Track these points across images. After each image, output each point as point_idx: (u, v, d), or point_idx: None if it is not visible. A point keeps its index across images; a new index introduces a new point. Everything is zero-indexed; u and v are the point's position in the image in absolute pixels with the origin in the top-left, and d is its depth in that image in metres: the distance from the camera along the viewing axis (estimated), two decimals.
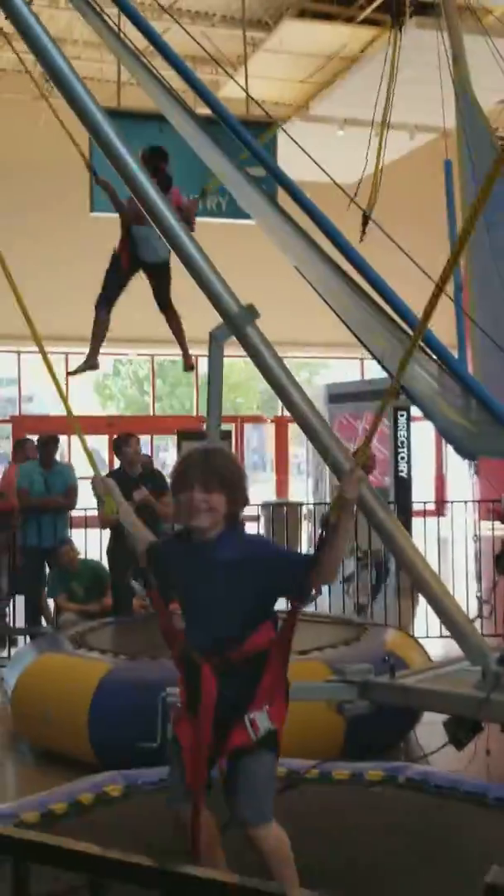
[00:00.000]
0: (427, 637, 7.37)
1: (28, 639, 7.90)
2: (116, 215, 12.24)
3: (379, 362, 4.89)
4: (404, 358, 3.41)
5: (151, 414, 22.79)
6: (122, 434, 7.93)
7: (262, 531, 14.00)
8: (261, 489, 20.90)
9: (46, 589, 8.28)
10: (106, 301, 7.53)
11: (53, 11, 13.46)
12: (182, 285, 4.23)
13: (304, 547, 13.10)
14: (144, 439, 19.95)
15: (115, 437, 8.09)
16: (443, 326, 5.21)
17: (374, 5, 14.58)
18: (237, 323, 4.39)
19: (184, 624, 3.05)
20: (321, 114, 15.40)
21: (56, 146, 15.94)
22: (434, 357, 4.63)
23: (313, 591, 3.10)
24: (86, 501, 9.15)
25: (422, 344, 4.65)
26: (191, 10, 15.45)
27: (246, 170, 6.42)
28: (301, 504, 12.93)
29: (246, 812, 2.90)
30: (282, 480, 21.42)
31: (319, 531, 2.94)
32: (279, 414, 21.18)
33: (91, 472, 3.43)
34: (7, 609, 8.82)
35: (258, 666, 2.92)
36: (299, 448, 22.39)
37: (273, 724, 2.92)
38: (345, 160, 17.14)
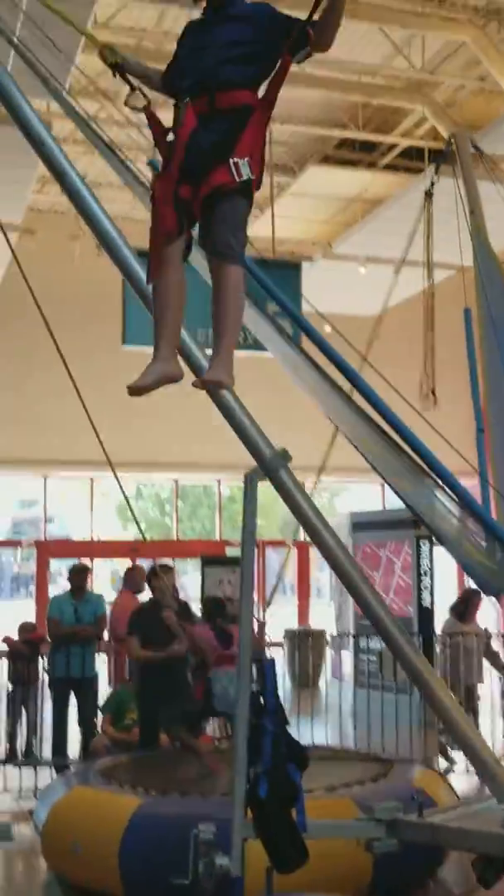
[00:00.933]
0: (453, 771, 7.35)
1: (54, 771, 7.92)
2: (146, 348, 12.68)
3: (403, 501, 5.09)
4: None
5: (174, 537, 22.94)
6: (160, 565, 8.06)
7: (285, 659, 13.99)
8: (282, 614, 20.85)
9: (79, 715, 8.27)
10: None
11: (92, 158, 14.22)
12: (219, 414, 4.48)
13: (329, 676, 13.08)
14: (167, 562, 20.06)
15: (150, 565, 8.21)
16: (465, 465, 5.45)
17: (394, 153, 15.37)
18: (271, 466, 4.60)
19: None
20: (344, 252, 16.03)
21: (90, 280, 16.69)
22: (457, 499, 4.83)
23: (304, 50, 3.16)
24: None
25: (444, 486, 4.88)
26: None
27: (268, 309, 6.79)
28: (325, 632, 12.94)
29: (219, 246, 3.13)
30: (303, 605, 21.36)
31: None
32: (300, 538, 21.29)
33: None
34: (33, 740, 8.84)
35: (242, 118, 3.11)
36: (320, 572, 22.41)
37: (252, 174, 3.12)
38: (367, 295, 17.80)
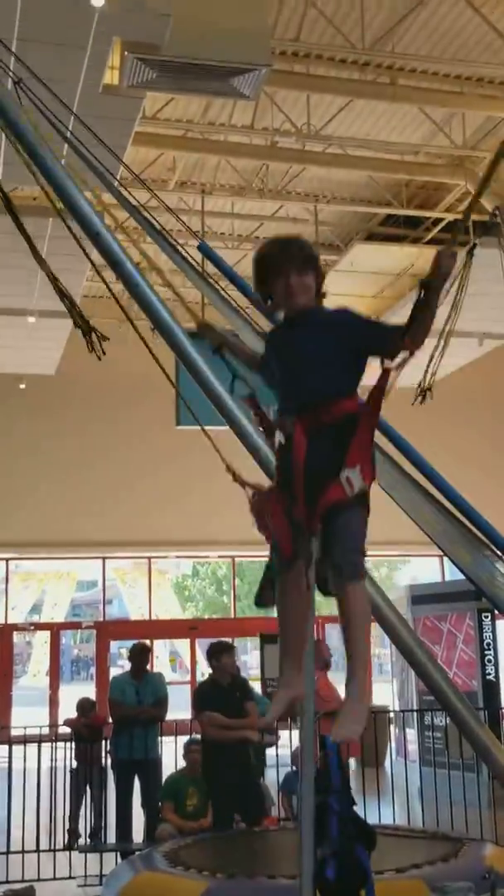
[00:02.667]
0: None
1: (119, 856, 7.84)
2: (198, 427, 12.80)
3: (463, 573, 5.06)
4: None
5: (232, 615, 22.87)
6: (222, 643, 8.04)
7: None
8: (342, 690, 20.56)
9: (142, 798, 8.20)
10: None
11: (142, 244, 14.59)
12: None
13: (394, 755, 12.82)
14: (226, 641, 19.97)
15: (211, 643, 8.19)
16: None
17: (439, 227, 15.57)
18: None
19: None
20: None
21: (143, 364, 16.98)
22: None
23: (405, 353, 3.07)
24: (175, 712, 9.26)
25: (500, 554, 4.84)
26: (268, 237, 16.63)
27: None
28: (387, 710, 12.74)
29: (343, 565, 2.99)
30: None
31: (417, 293, 2.96)
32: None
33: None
34: (99, 824, 8.77)
35: (348, 428, 3.04)
36: (381, 648, 22.10)
37: (364, 483, 3.03)
38: (414, 366, 17.88)
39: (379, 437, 5.06)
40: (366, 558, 3.11)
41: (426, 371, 9.52)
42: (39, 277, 12.78)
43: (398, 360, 3.15)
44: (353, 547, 3.05)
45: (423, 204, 15.35)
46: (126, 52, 8.42)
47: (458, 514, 4.92)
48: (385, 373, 3.12)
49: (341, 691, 3.23)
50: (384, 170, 13.91)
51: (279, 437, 3.25)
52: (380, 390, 3.13)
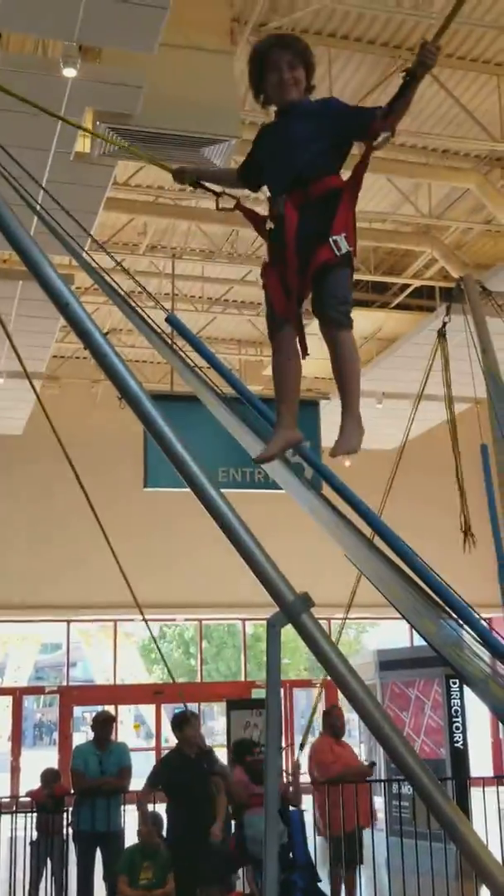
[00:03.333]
0: None
1: None
2: (169, 490, 12.80)
3: (430, 644, 5.04)
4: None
5: (199, 680, 22.61)
6: (186, 713, 7.95)
7: (315, 804, 13.54)
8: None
9: (104, 871, 8.01)
10: None
11: (111, 307, 14.70)
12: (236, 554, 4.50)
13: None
14: (192, 707, 19.71)
15: (174, 714, 8.11)
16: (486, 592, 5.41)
17: (407, 292, 15.82)
18: (293, 611, 4.58)
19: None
20: (362, 389, 16.28)
21: (110, 424, 17.01)
22: (480, 640, 4.77)
23: (384, 134, 3.41)
24: (140, 780, 9.08)
25: (466, 626, 4.83)
26: (237, 300, 16.80)
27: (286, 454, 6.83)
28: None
29: (337, 316, 3.40)
30: None
31: (402, 79, 3.21)
32: (328, 677, 20.94)
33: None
34: None
35: (333, 201, 3.36)
36: (350, 713, 21.90)
37: (349, 246, 3.34)
38: (384, 430, 18.01)
39: (342, 505, 5.09)
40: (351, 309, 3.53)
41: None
42: (6, 338, 12.80)
43: (380, 138, 3.50)
44: (344, 299, 3.45)
45: (390, 270, 15.61)
46: (98, 122, 8.54)
47: (420, 583, 4.92)
48: (368, 148, 3.48)
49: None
50: None
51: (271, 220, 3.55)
52: (364, 165, 3.48)
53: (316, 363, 16.37)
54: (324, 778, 8.78)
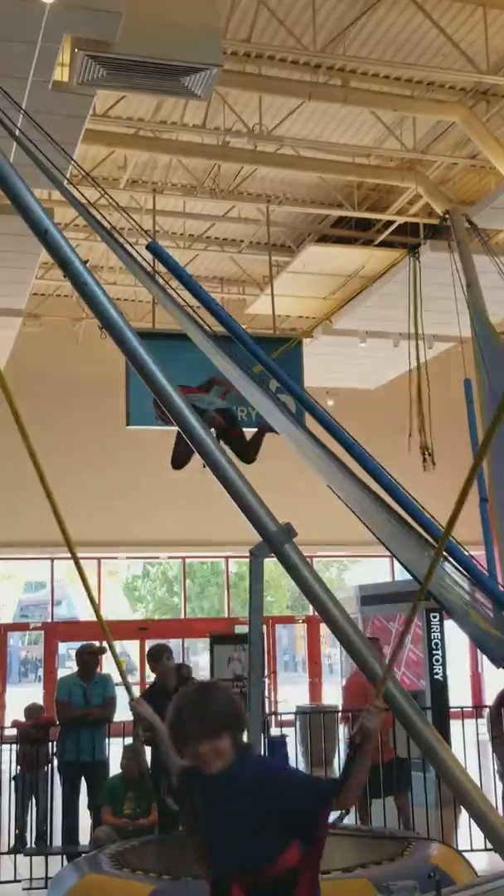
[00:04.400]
0: (471, 850, 7.20)
1: (65, 859, 7.77)
2: (148, 427, 12.76)
3: (410, 572, 5.09)
4: (431, 565, 3.58)
5: (182, 616, 22.83)
6: (156, 646, 8.01)
7: (297, 738, 13.80)
8: (293, 691, 20.57)
9: (89, 800, 8.14)
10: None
11: (91, 242, 14.52)
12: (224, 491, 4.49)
13: (341, 753, 12.88)
14: (176, 643, 19.91)
15: (150, 647, 8.19)
16: (471, 535, 5.46)
17: (390, 230, 15.68)
18: (275, 542, 4.60)
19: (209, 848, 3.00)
20: (344, 327, 16.23)
21: (93, 362, 16.91)
22: (462, 570, 4.84)
23: (338, 815, 3.08)
24: (124, 713, 9.20)
25: (450, 558, 4.88)
26: (219, 237, 16.62)
27: (270, 385, 6.83)
28: (337, 710, 12.78)
29: None
30: (314, 682, 21.13)
31: (346, 751, 2.99)
32: (310, 613, 21.18)
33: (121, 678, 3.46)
34: (45, 827, 8.69)
35: (289, 885, 2.89)
36: (331, 648, 22.18)
37: None
38: (367, 368, 17.95)
39: (329, 441, 5.09)
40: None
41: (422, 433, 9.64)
42: None
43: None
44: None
45: (374, 206, 15.45)
46: (76, 49, 8.35)
47: (405, 515, 4.95)
48: (321, 836, 3.01)
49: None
50: (336, 172, 13.98)
51: None
52: (318, 851, 3.00)
53: (298, 301, 16.33)
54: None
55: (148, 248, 4.87)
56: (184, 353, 9.49)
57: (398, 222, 15.56)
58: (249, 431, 6.70)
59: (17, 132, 4.69)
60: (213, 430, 6.08)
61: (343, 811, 2.96)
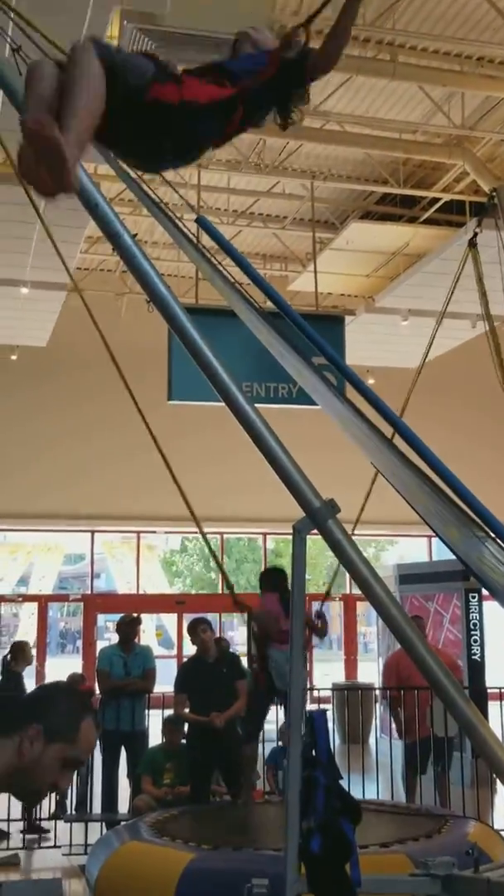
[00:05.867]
0: None
1: (105, 826, 7.89)
2: (191, 403, 12.81)
3: (452, 551, 5.08)
4: None
5: (219, 591, 22.96)
6: (195, 619, 8.08)
7: (333, 715, 13.85)
8: (328, 668, 20.66)
9: (129, 769, 8.25)
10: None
11: (136, 217, 14.54)
12: (266, 467, 4.50)
13: (377, 734, 12.94)
14: (213, 617, 20.06)
15: (189, 621, 8.26)
16: None
17: (435, 207, 15.52)
18: (319, 517, 4.61)
19: None
20: (386, 305, 16.14)
21: (136, 337, 16.99)
22: None
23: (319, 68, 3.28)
24: (163, 683, 9.31)
25: (492, 534, 4.86)
26: (263, 213, 16.56)
27: (313, 360, 6.80)
28: (373, 686, 12.81)
29: None
30: (350, 660, 21.19)
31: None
32: (347, 591, 21.21)
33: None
34: (85, 795, 8.82)
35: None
36: (367, 627, 22.21)
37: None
38: (409, 347, 17.86)
39: (374, 416, 5.09)
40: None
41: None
42: (33, 248, 12.70)
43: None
44: None
45: (419, 183, 15.30)
46: (125, 22, 8.34)
47: (451, 494, 4.94)
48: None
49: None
50: (382, 148, 13.85)
51: None
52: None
53: (339, 278, 16.27)
54: (413, 685, 8.90)
55: (197, 221, 4.87)
56: (226, 329, 9.52)
57: (443, 200, 15.39)
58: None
59: None
60: None
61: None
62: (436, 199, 15.48)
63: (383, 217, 16.00)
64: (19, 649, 9.45)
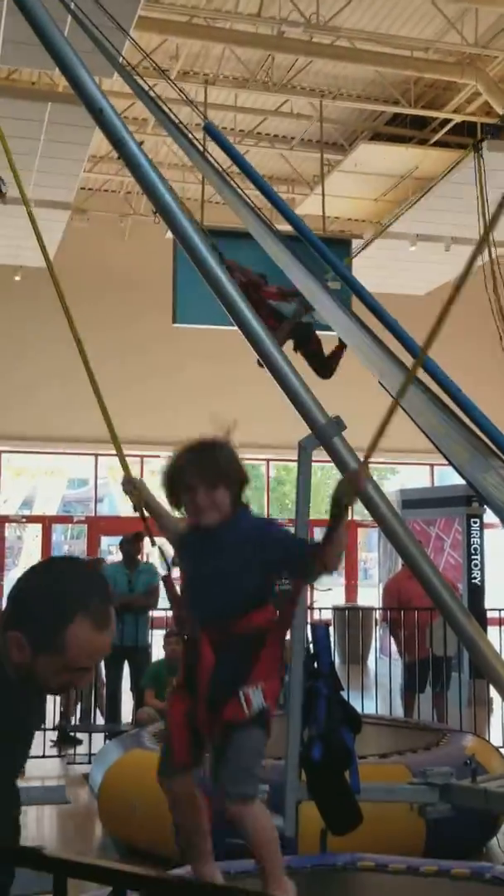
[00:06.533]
0: None
1: (108, 737, 8.05)
2: (196, 326, 12.73)
3: (458, 471, 5.09)
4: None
5: None
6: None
7: (334, 637, 14.04)
8: (329, 593, 20.86)
9: (131, 683, 8.40)
10: None
11: (141, 135, 14.27)
12: (269, 394, 4.50)
13: (377, 654, 13.11)
14: None
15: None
16: None
17: (447, 129, 15.22)
18: (325, 434, 4.62)
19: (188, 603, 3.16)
20: (395, 230, 15.91)
21: (140, 259, 16.80)
22: None
23: (317, 574, 3.07)
24: (164, 604, 9.41)
25: (499, 452, 4.86)
26: (270, 133, 16.25)
27: (326, 284, 6.74)
28: (373, 608, 12.95)
29: (229, 787, 2.90)
30: (351, 585, 21.39)
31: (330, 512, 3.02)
32: (349, 517, 21.31)
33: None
34: (89, 706, 8.99)
35: (256, 643, 2.98)
36: (368, 553, 22.37)
37: (265, 702, 2.95)
38: (417, 273, 17.63)
39: (390, 340, 5.04)
40: (259, 784, 3.04)
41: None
42: (36, 166, 12.50)
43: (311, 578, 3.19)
44: (243, 770, 2.94)
45: (430, 104, 14.98)
46: None
47: (468, 421, 4.93)
48: (296, 589, 3.23)
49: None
50: (392, 66, 13.54)
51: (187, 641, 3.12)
52: (290, 608, 3.18)
53: (347, 202, 16.04)
54: (412, 606, 8.95)
55: (204, 128, 4.79)
56: (232, 252, 9.40)
57: (455, 121, 15.09)
58: None
59: (73, 5, 4.57)
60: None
61: (329, 576, 3.04)
62: (447, 121, 15.18)
63: (393, 138, 15.69)
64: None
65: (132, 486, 3.48)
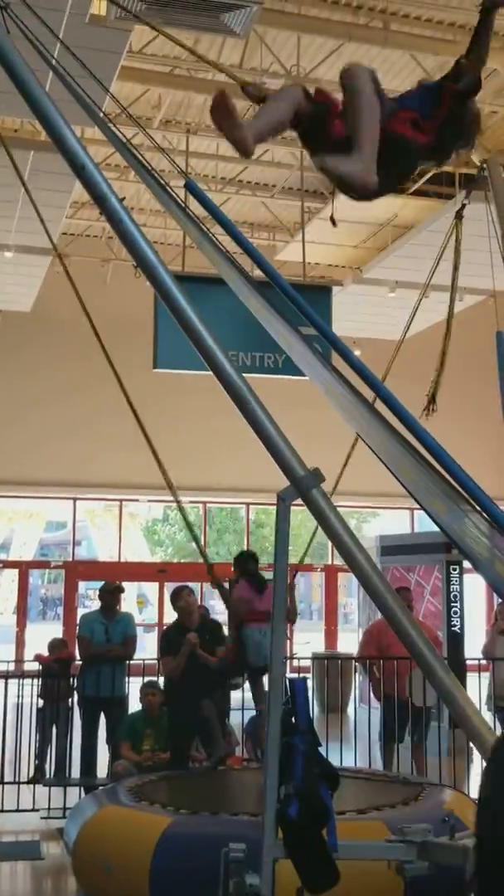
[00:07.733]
0: None
1: (83, 790, 7.93)
2: (176, 371, 12.75)
3: (436, 522, 5.09)
4: None
5: (201, 560, 22.97)
6: (178, 586, 8.13)
7: (313, 684, 13.94)
8: (309, 638, 20.76)
9: (107, 735, 8.29)
10: None
11: (123, 183, 14.40)
12: (248, 439, 4.50)
13: (356, 703, 13.02)
14: (194, 586, 20.05)
15: (172, 589, 8.29)
16: (495, 482, 5.45)
17: (425, 178, 15.43)
18: (303, 486, 4.61)
19: None
20: (373, 277, 16.08)
21: (121, 304, 16.86)
22: (490, 521, 4.82)
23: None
24: (143, 651, 9.35)
25: (477, 506, 4.87)
26: (251, 181, 16.43)
27: (300, 329, 6.78)
28: (353, 657, 12.88)
29: None
30: (331, 631, 21.31)
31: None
32: (329, 562, 21.27)
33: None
34: (64, 759, 8.86)
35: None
36: (348, 598, 22.32)
37: None
38: (396, 319, 17.78)
39: (361, 386, 5.07)
40: None
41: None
42: (18, 212, 12.57)
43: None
44: None
45: None
46: None
47: (438, 467, 4.93)
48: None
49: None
50: None
51: None
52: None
53: (327, 249, 16.14)
54: (392, 654, 8.91)
55: (186, 186, 4.81)
56: (213, 298, 9.48)
57: (433, 171, 15.30)
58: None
59: (54, 62, 4.61)
60: None
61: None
62: (425, 171, 15.38)
63: None
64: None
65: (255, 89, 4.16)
